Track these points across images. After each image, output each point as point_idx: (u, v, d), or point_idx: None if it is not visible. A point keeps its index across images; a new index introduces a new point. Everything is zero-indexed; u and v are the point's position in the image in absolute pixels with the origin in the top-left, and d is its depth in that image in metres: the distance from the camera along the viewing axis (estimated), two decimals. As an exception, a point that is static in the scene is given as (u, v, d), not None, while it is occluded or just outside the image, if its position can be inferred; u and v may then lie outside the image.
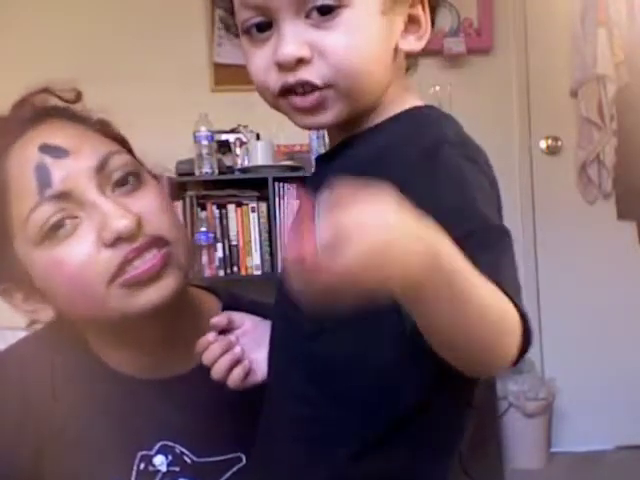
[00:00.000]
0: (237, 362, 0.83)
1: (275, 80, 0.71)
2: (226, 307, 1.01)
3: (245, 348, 0.85)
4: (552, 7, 3.30)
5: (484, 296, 0.57)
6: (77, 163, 0.85)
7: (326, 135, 2.99)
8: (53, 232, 0.83)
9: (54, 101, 0.94)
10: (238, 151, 3.03)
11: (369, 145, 0.74)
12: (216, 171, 2.93)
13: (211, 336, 0.85)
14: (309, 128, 0.75)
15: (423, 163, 0.67)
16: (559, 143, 3.36)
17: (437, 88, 2.86)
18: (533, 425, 3.01)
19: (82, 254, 0.83)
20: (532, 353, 3.20)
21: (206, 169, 2.91)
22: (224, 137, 3.03)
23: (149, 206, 0.87)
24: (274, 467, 0.77)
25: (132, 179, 0.88)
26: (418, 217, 0.53)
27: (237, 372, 0.83)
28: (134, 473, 0.92)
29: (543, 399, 3.06)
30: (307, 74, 0.70)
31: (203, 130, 2.90)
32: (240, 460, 0.94)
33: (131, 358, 0.95)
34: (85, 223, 0.84)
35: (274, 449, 0.77)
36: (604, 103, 3.21)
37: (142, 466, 0.92)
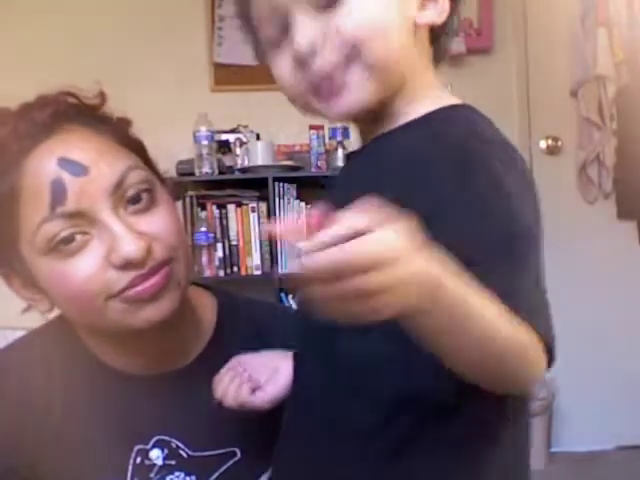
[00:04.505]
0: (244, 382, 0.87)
1: (300, 81, 0.73)
2: (221, 305, 1.02)
3: (253, 371, 0.88)
4: (552, 7, 3.30)
5: (494, 330, 0.59)
6: (94, 182, 0.84)
7: (326, 135, 2.93)
8: (62, 245, 0.83)
9: (77, 105, 0.92)
10: (238, 151, 3.03)
11: (400, 144, 0.73)
12: (216, 171, 2.93)
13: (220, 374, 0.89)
14: (343, 118, 0.74)
15: (453, 163, 0.66)
16: (559, 143, 3.36)
17: (437, 88, 2.86)
18: (533, 425, 3.00)
19: (87, 271, 0.83)
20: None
21: (206, 169, 2.91)
22: (224, 137, 3.03)
23: (160, 227, 0.87)
24: (303, 467, 0.77)
25: (146, 196, 0.87)
26: (427, 247, 0.54)
27: (244, 388, 0.86)
28: (130, 467, 0.92)
29: (543, 399, 3.06)
30: (324, 58, 0.70)
31: (203, 130, 2.90)
32: (235, 454, 0.94)
33: (127, 356, 0.95)
34: (95, 241, 0.84)
35: (302, 450, 0.77)
36: (604, 103, 3.21)
37: (138, 460, 0.93)
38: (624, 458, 3.16)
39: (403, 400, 0.68)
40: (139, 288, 0.84)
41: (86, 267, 0.83)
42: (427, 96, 0.75)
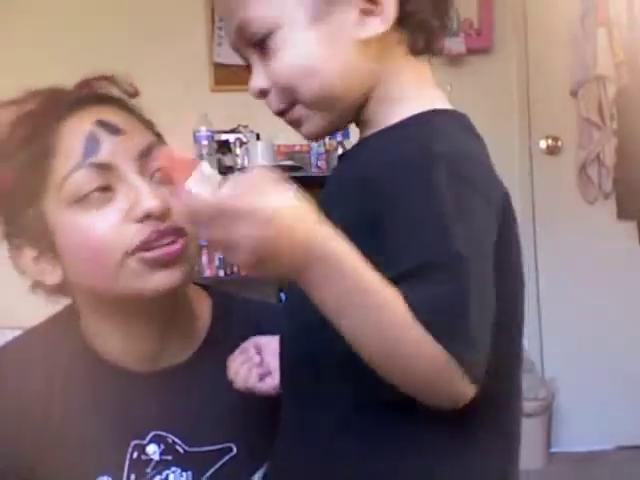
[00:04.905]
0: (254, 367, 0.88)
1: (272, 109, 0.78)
2: (216, 305, 1.03)
3: (265, 356, 0.88)
4: (552, 7, 3.30)
5: (390, 310, 0.61)
6: (126, 143, 0.90)
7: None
8: (87, 197, 0.87)
9: (113, 90, 0.97)
10: (238, 151, 3.03)
11: (372, 146, 0.74)
12: (216, 171, 2.93)
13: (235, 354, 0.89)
14: (309, 138, 0.80)
15: (406, 176, 0.66)
16: (559, 143, 3.36)
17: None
18: (533, 425, 3.01)
19: (109, 224, 0.87)
20: (532, 353, 3.20)
21: (206, 169, 2.91)
22: (224, 137, 3.04)
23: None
24: (300, 465, 0.77)
25: None
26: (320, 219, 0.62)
27: (253, 373, 0.87)
28: (127, 462, 0.93)
29: (543, 399, 3.06)
30: (272, 104, 0.76)
31: (203, 130, 2.91)
32: (231, 450, 0.94)
33: (126, 350, 0.95)
34: (119, 196, 0.88)
35: (299, 447, 0.77)
36: (604, 103, 3.22)
37: (135, 455, 0.93)
38: (624, 458, 3.16)
39: (395, 399, 0.68)
40: (157, 252, 0.86)
41: (108, 221, 0.87)
42: (408, 98, 0.75)
